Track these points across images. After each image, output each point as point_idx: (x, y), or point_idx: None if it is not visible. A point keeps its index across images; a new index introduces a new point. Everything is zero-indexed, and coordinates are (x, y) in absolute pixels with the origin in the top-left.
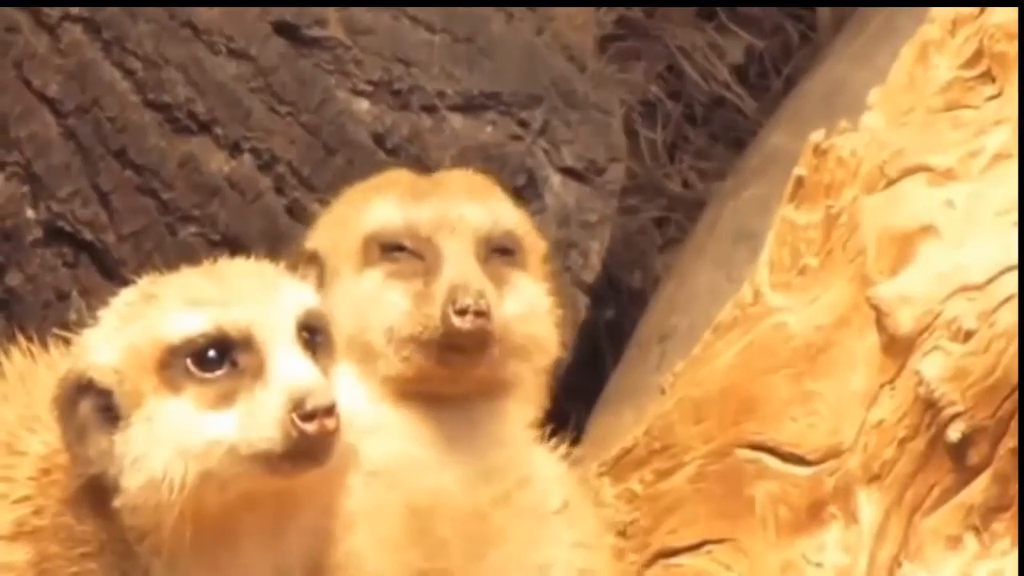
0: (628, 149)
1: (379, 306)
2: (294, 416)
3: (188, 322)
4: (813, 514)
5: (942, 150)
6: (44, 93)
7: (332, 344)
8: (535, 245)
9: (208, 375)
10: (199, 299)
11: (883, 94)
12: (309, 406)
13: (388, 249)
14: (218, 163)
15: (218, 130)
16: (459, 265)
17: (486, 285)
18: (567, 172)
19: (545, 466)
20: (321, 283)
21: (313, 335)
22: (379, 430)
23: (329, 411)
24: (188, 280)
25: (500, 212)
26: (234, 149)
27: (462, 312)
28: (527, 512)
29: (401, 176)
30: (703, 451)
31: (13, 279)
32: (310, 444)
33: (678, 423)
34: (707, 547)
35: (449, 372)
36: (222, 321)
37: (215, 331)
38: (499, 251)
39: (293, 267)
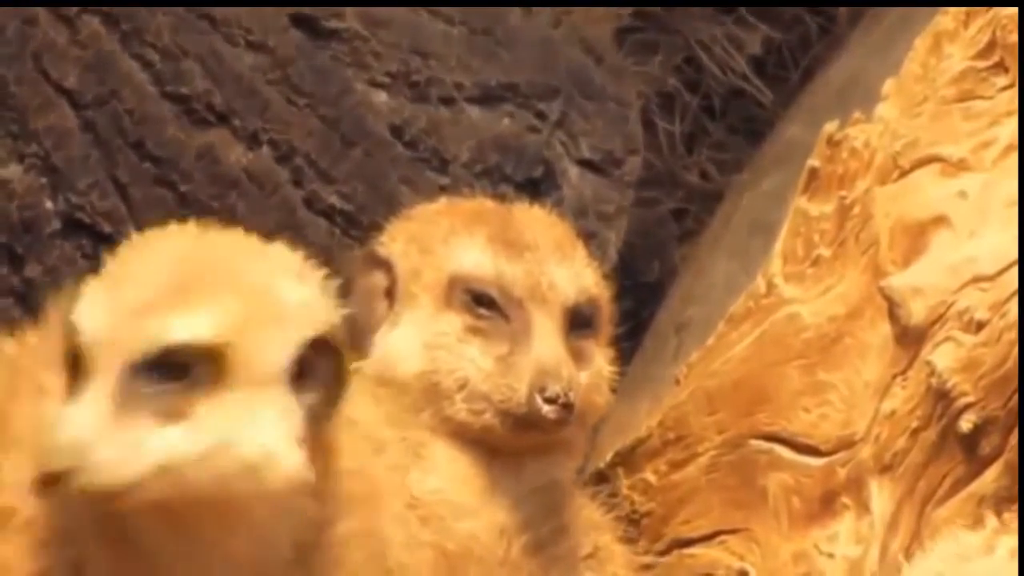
0: (646, 141)
1: (458, 357)
2: None
3: None
4: (825, 505)
5: (954, 141)
6: (62, 85)
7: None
8: (607, 307)
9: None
10: None
11: (897, 85)
12: None
13: (475, 299)
14: (236, 155)
15: (236, 122)
16: (549, 345)
17: (574, 373)
18: (585, 164)
19: (580, 513)
20: (391, 296)
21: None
22: (424, 464)
23: None
24: None
25: (584, 276)
26: (252, 141)
27: (550, 401)
28: (559, 560)
29: (485, 211)
30: (717, 442)
31: (32, 271)
32: None
33: (692, 414)
34: (720, 537)
35: (516, 439)
36: None
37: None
38: (581, 322)
39: (362, 270)
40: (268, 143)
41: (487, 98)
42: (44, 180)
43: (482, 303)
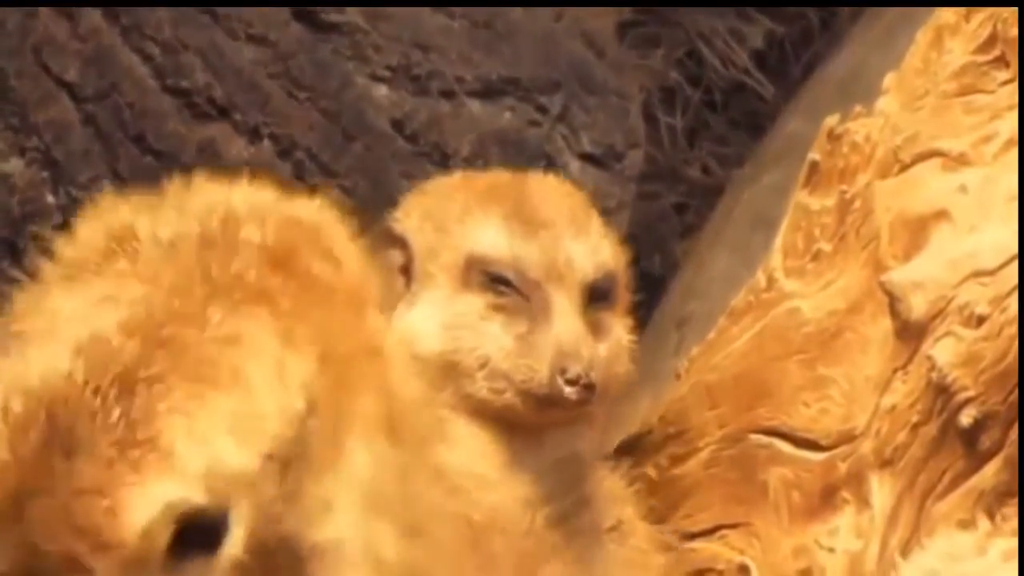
0: (647, 135)
1: (479, 335)
2: None
3: None
4: (826, 499)
5: (955, 135)
6: (63, 79)
7: None
8: (623, 276)
9: None
10: None
11: (897, 79)
12: None
13: (493, 279)
14: (237, 149)
15: (237, 116)
16: (568, 325)
17: (594, 351)
18: (586, 158)
19: (603, 485)
20: (407, 274)
21: None
22: (447, 440)
23: None
24: None
25: (601, 250)
26: (253, 135)
27: (571, 382)
28: (581, 532)
29: (500, 186)
30: (717, 436)
31: (33, 264)
32: None
33: (693, 408)
34: (721, 532)
35: (538, 417)
36: None
37: None
38: (598, 296)
39: (378, 248)
40: (269, 137)
41: (488, 92)
42: (45, 174)
43: (500, 282)
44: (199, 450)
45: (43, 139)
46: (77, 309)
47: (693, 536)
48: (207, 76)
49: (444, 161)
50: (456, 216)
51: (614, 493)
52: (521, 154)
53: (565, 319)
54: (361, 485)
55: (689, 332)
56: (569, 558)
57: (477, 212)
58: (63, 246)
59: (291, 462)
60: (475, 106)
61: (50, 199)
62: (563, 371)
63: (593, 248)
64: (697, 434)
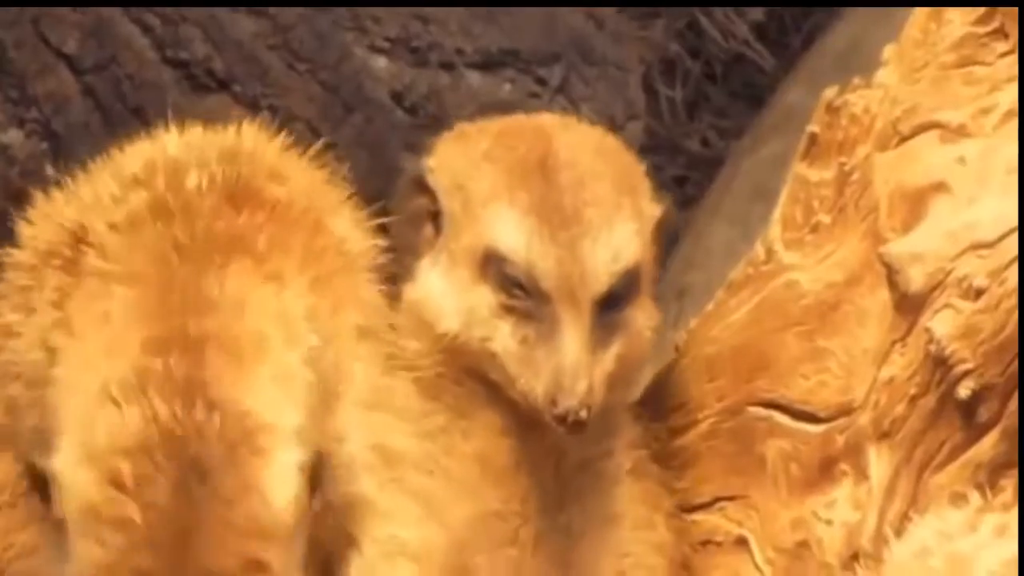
0: (647, 107)
1: (489, 330)
2: None
3: None
4: (824, 471)
5: (954, 107)
6: (62, 50)
7: None
8: (650, 263)
9: None
10: None
11: (897, 50)
12: None
13: (507, 279)
14: (236, 121)
15: (236, 88)
16: (571, 349)
17: (593, 380)
18: None
19: (625, 432)
20: (436, 223)
21: None
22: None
23: None
24: None
25: (624, 247)
26: (252, 107)
27: (559, 418)
28: (605, 475)
29: (531, 166)
30: (716, 409)
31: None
32: None
33: (691, 381)
34: (720, 504)
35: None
36: None
37: None
38: (615, 301)
39: (408, 194)
40: (268, 109)
41: (488, 64)
42: (44, 145)
43: (514, 284)
44: (279, 414)
45: (42, 111)
46: (89, 350)
47: (692, 508)
48: (206, 48)
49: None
50: (482, 198)
51: (629, 438)
52: None
53: (570, 341)
54: (360, 395)
55: (688, 303)
56: (593, 496)
57: (503, 199)
58: (15, 254)
59: (318, 402)
60: (475, 78)
61: (49, 171)
62: (554, 403)
63: (615, 250)
64: (696, 406)
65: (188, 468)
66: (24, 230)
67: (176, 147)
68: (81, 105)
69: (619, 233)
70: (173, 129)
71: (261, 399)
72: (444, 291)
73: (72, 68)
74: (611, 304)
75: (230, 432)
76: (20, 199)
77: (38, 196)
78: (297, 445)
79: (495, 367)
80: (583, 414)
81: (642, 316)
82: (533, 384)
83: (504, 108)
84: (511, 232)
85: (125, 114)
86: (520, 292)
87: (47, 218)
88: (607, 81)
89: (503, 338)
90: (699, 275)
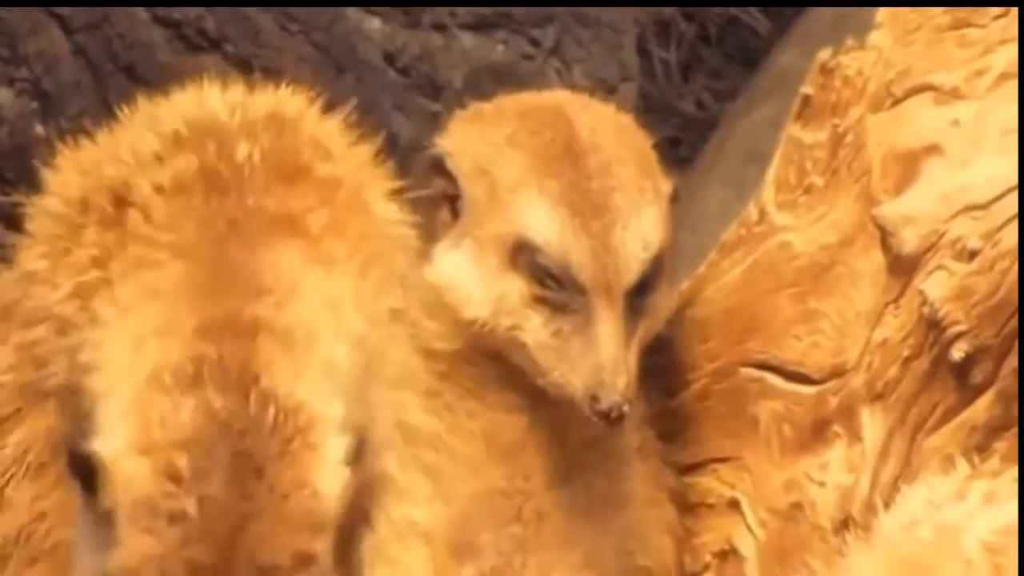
0: (641, 69)
1: (521, 320)
2: None
3: None
4: (817, 433)
5: (948, 69)
6: (53, 9)
7: None
8: (669, 245)
9: None
10: None
11: (890, 12)
12: None
13: (540, 269)
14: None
15: (228, 48)
16: (610, 344)
17: (631, 375)
18: (579, 91)
19: (634, 412)
20: (453, 207)
21: None
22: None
23: None
24: None
25: (652, 230)
26: (244, 67)
27: (601, 414)
28: (614, 454)
29: (556, 150)
30: (708, 370)
31: (22, 196)
32: None
33: (684, 342)
34: (712, 466)
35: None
36: None
37: None
38: (644, 288)
39: (425, 175)
40: (260, 69)
41: (481, 25)
42: (35, 105)
43: (547, 275)
44: (328, 405)
45: (33, 70)
46: (137, 326)
47: (686, 470)
48: (198, 8)
49: (436, 94)
50: (509, 185)
51: (634, 418)
52: (514, 88)
53: (606, 336)
54: (390, 375)
55: (682, 265)
56: (600, 474)
57: (532, 187)
58: (41, 202)
59: (361, 387)
60: (467, 39)
61: (39, 130)
62: (595, 399)
63: (645, 234)
64: (688, 368)
65: (244, 462)
66: (51, 178)
67: (220, 107)
68: (72, 64)
69: (646, 219)
70: (211, 84)
71: (312, 390)
72: (470, 277)
73: (63, 27)
74: (640, 292)
75: (285, 426)
76: (10, 158)
77: (61, 146)
78: (344, 435)
79: (524, 356)
80: (625, 409)
81: (664, 300)
82: (570, 378)
83: (497, 69)
84: (543, 222)
85: (116, 73)
86: (553, 283)
87: (79, 168)
88: (601, 43)
89: (535, 329)
90: (692, 237)
